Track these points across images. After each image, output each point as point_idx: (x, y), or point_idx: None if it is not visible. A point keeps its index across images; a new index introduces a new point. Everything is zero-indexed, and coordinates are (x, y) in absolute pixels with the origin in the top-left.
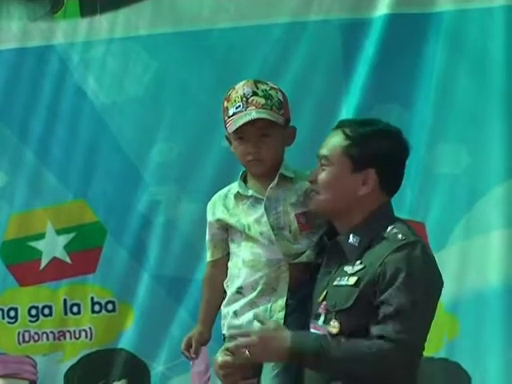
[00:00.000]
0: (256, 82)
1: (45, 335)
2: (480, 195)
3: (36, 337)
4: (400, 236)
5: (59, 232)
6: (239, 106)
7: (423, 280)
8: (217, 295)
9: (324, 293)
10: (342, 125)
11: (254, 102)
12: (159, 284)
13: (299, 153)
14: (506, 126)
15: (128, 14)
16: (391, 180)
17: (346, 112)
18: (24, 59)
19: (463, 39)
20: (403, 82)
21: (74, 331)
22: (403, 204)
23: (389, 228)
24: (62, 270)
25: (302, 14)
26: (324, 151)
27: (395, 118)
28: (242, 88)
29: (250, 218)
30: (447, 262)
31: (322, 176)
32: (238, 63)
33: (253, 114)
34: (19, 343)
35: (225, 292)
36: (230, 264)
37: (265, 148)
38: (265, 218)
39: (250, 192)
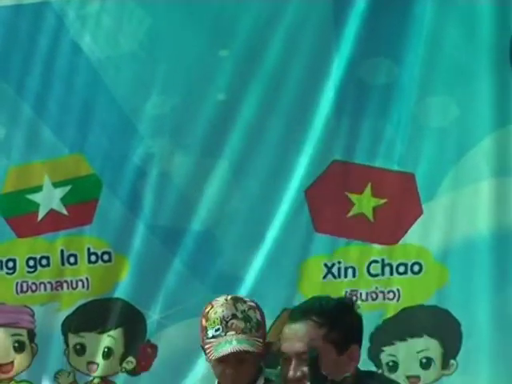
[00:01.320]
0: (235, 302)
1: (42, 285)
2: (469, 146)
3: (34, 287)
4: None
5: (56, 185)
6: (218, 328)
7: None
8: None
9: None
10: (302, 315)
11: (234, 326)
12: (154, 234)
13: (290, 108)
14: (494, 77)
15: None
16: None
17: (337, 66)
18: (20, 16)
19: None
20: (393, 36)
21: (71, 281)
22: (393, 156)
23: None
24: (59, 222)
25: None
26: (302, 346)
27: (385, 72)
28: (220, 308)
29: None
30: (436, 211)
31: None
32: (232, 18)
33: (233, 342)
34: (17, 293)
35: None
36: None
37: (242, 372)
38: None
39: None
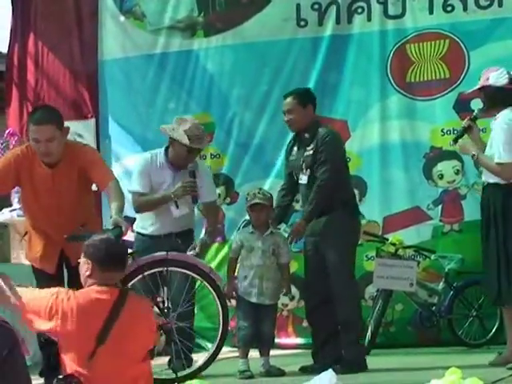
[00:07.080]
0: None
1: None
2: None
3: None
4: None
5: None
6: None
7: None
8: None
9: None
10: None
11: None
12: (238, 145)
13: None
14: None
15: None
16: None
17: (313, 75)
18: (182, 57)
19: None
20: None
21: None
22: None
23: None
24: None
25: None
26: None
27: (333, 78)
28: None
29: None
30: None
31: None
32: (271, 56)
33: None
34: None
35: None
36: None
37: None
38: None
39: None
